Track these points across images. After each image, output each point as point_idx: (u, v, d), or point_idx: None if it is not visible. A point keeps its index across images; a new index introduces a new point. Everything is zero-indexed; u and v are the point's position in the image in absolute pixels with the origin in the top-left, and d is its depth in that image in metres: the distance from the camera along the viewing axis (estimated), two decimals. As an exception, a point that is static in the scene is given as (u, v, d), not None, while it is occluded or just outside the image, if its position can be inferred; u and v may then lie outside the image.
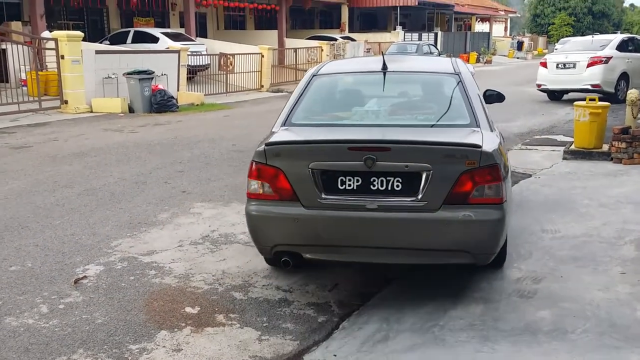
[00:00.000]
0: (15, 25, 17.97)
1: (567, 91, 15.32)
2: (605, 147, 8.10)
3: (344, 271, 4.89)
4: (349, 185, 4.09)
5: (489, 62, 38.22)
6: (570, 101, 15.37)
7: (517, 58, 49.60)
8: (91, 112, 14.90)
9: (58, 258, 5.11)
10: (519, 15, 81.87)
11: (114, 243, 5.47)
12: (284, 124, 4.76)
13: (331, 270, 4.90)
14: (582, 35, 62.51)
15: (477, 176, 3.93)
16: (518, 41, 56.11)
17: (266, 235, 4.35)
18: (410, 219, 3.99)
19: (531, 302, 3.86)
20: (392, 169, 3.99)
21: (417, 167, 3.95)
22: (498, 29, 65.11)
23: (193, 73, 20.13)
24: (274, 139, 4.42)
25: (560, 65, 14.76)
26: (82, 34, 14.88)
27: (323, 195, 4.09)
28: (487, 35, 49.10)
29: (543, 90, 15.57)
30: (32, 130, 11.80)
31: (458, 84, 4.88)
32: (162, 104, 15.31)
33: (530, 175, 7.53)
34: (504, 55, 48.51)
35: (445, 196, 3.92)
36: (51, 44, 14.74)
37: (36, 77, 14.46)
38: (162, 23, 26.30)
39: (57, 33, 14.65)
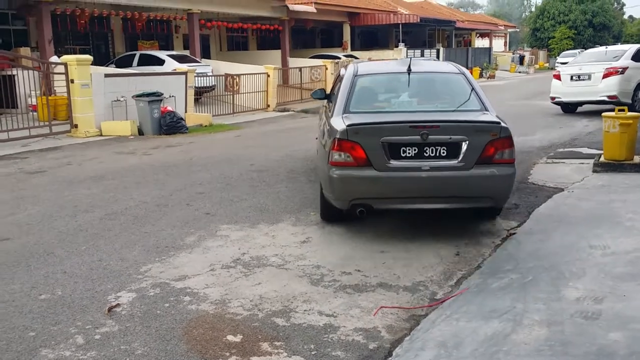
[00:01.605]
0: (24, 51, 17.91)
1: (582, 103, 15.18)
2: (637, 159, 7.93)
3: (387, 292, 4.69)
4: (409, 153, 5.67)
5: (492, 77, 38.19)
6: (585, 113, 15.29)
7: (519, 72, 49.61)
8: (101, 135, 14.76)
9: (88, 285, 4.92)
10: (517, 30, 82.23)
11: (144, 268, 5.28)
12: (344, 112, 6.19)
13: (372, 290, 4.72)
14: (584, 48, 62.85)
15: (498, 144, 5.67)
16: (519, 55, 56.17)
17: (345, 192, 5.80)
18: (453, 176, 5.65)
19: (598, 323, 3.65)
20: (440, 140, 5.61)
21: (457, 139, 5.62)
22: (498, 44, 65.26)
23: (199, 94, 20.03)
24: (351, 121, 5.78)
25: (574, 77, 14.62)
26: (91, 58, 14.77)
27: (390, 161, 5.65)
28: (488, 50, 49.15)
29: (557, 103, 15.42)
30: (44, 155, 11.64)
31: (465, 80, 6.65)
32: (171, 125, 15.18)
33: (562, 189, 7.35)
34: (506, 70, 48.54)
35: (476, 159, 5.62)
36: (60, 69, 14.64)
37: (47, 102, 14.33)
38: (165, 46, 26.28)
39: (66, 57, 14.55)
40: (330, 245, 5.83)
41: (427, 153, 5.65)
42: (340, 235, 6.08)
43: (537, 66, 56.24)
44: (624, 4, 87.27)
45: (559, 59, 56.71)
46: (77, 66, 14.32)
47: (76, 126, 14.57)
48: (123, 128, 14.81)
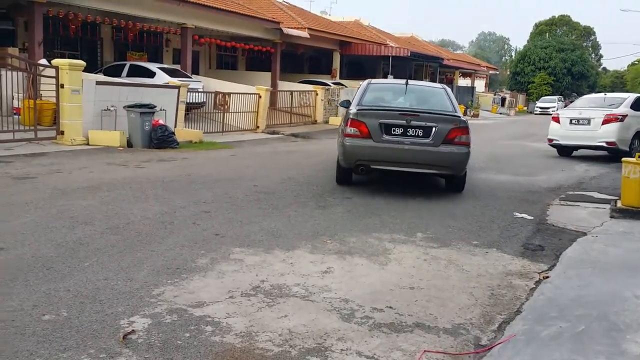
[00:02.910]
0: (12, 51, 17.29)
1: (579, 147, 15.13)
2: (657, 207, 7.72)
3: (427, 334, 4.31)
4: (397, 132, 8.70)
5: (476, 115, 38.45)
6: (581, 158, 15.25)
7: (500, 114, 50.16)
8: (87, 144, 14.21)
9: (96, 307, 4.44)
10: (497, 72, 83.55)
11: (156, 291, 4.82)
12: (357, 104, 9.29)
13: (409, 330, 4.33)
14: (562, 94, 64.10)
15: (458, 131, 8.62)
16: (501, 97, 56.84)
17: (353, 155, 8.88)
18: (425, 150, 8.60)
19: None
20: (418, 125, 8.62)
21: (430, 125, 8.61)
22: (479, 85, 66.14)
23: (188, 110, 19.56)
24: (360, 107, 9.09)
25: (574, 121, 14.56)
26: (84, 63, 14.29)
27: (384, 136, 8.68)
28: (472, 89, 49.64)
29: (554, 146, 15.35)
30: (29, 160, 11.08)
31: (444, 93, 9.86)
32: (162, 139, 14.71)
33: (584, 233, 7.09)
34: (487, 110, 49.03)
35: (442, 139, 8.57)
36: (49, 72, 14.12)
37: (34, 105, 13.75)
38: (155, 58, 25.80)
39: (58, 61, 14.03)
40: (354, 277, 5.43)
41: (409, 133, 8.78)
42: (365, 267, 5.69)
43: (517, 109, 56.89)
44: (601, 56, 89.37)
45: (539, 104, 57.72)
46: (69, 71, 13.83)
47: (62, 133, 14.02)
48: (112, 138, 14.29)
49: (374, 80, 10.50)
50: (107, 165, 10.95)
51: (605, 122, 13.93)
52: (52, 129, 14.27)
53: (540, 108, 56.43)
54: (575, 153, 15.60)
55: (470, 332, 4.42)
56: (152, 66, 20.99)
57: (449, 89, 10.09)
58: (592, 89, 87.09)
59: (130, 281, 5.01)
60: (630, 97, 14.99)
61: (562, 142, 14.91)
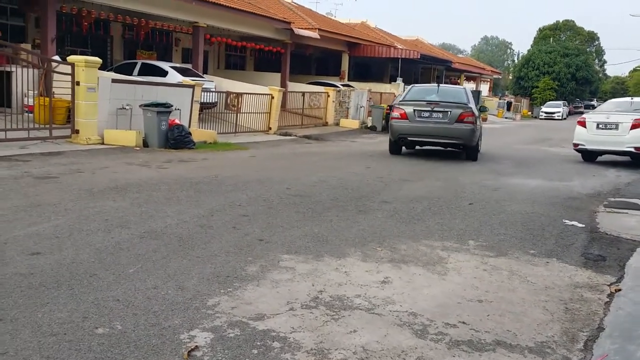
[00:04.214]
0: (25, 47, 16.94)
1: (606, 152, 14.81)
2: None
3: (511, 353, 3.97)
4: (425, 115, 13.98)
5: (484, 119, 38.07)
6: (607, 163, 14.93)
7: (506, 118, 49.91)
8: (102, 143, 13.87)
9: (151, 319, 4.09)
10: (500, 77, 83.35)
11: (211, 302, 4.47)
12: (402, 99, 14.94)
13: (491, 349, 3.99)
14: (566, 99, 63.86)
15: (466, 114, 13.69)
16: (507, 102, 56.53)
17: (397, 131, 14.27)
18: (444, 127, 13.74)
19: None
20: (439, 110, 13.87)
21: (447, 110, 13.82)
22: (483, 89, 65.83)
23: (200, 110, 19.22)
24: (401, 101, 14.91)
25: (601, 126, 14.23)
26: (100, 61, 13.94)
27: (416, 118, 13.96)
28: (478, 93, 49.30)
29: (580, 150, 15.02)
30: (47, 159, 10.73)
31: (464, 91, 15.18)
32: (179, 140, 14.37)
33: (642, 243, 6.76)
34: (493, 115, 48.73)
35: (455, 119, 13.62)
36: (62, 69, 13.75)
37: (49, 103, 13.40)
38: (164, 57, 25.47)
39: (74, 58, 13.69)
40: (415, 288, 5.08)
41: (433, 116, 13.80)
42: (423, 277, 5.35)
43: (522, 114, 56.64)
44: (605, 61, 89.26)
45: (544, 109, 57.50)
46: (84, 68, 13.49)
47: (77, 132, 13.67)
48: (128, 138, 13.95)
49: (416, 85, 16.95)
50: (127, 165, 10.60)
51: (634, 126, 13.60)
52: (66, 127, 13.93)
53: (546, 113, 56.24)
54: (599, 158, 15.28)
55: (556, 352, 4.08)
56: (164, 65, 20.66)
57: (467, 89, 15.80)
58: (594, 94, 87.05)
59: (181, 290, 4.66)
60: (659, 100, 14.69)
61: (589, 147, 14.57)
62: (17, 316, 4.02)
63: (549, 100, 62.45)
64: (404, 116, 14.07)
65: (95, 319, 4.05)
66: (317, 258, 5.70)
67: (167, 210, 7.07)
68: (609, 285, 5.43)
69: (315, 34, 28.06)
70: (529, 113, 60.94)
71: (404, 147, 15.16)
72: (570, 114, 62.68)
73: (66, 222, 6.28)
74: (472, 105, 14.18)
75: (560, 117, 55.46)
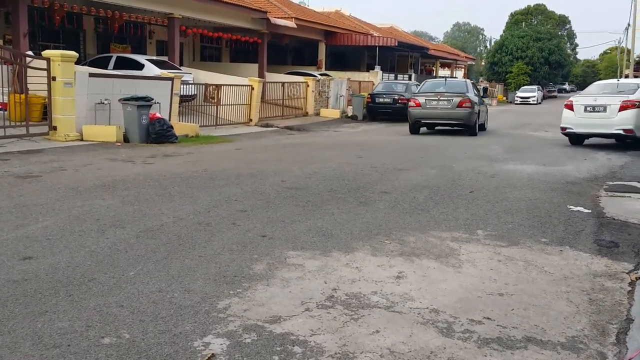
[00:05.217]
0: (-4, 42, 16.38)
1: (594, 135, 14.74)
2: None
3: (544, 350, 3.76)
4: (434, 103, 18.64)
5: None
6: (596, 146, 14.86)
7: (483, 104, 49.88)
8: (81, 140, 13.44)
9: (160, 326, 3.81)
10: (473, 63, 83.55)
11: (221, 304, 4.20)
12: (416, 93, 20.23)
13: (522, 347, 3.78)
14: (539, 84, 64.24)
15: (464, 101, 18.23)
16: (483, 87, 56.60)
17: (413, 116, 19.03)
18: (448, 111, 18.38)
19: None
20: (444, 98, 18.51)
21: (450, 98, 18.40)
22: (458, 75, 65.91)
23: (179, 103, 18.78)
24: (415, 93, 20.35)
25: (589, 109, 14.12)
26: (76, 55, 13.50)
27: (427, 106, 18.68)
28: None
29: (567, 134, 14.92)
30: (26, 158, 10.32)
31: (464, 83, 20.71)
32: (161, 134, 14.00)
33: (652, 227, 6.62)
34: (470, 101, 48.67)
35: (457, 105, 18.16)
36: (37, 64, 13.26)
37: (25, 100, 12.92)
38: (138, 50, 24.89)
39: (49, 52, 13.22)
40: (432, 283, 4.86)
41: (440, 104, 18.43)
42: (438, 271, 5.13)
43: (497, 99, 56.79)
44: (577, 45, 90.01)
45: (519, 93, 57.69)
46: (61, 62, 13.03)
47: (55, 128, 13.22)
48: (108, 133, 13.53)
49: (428, 80, 22.45)
50: (111, 161, 10.24)
51: (622, 108, 13.50)
52: (43, 124, 13.47)
53: (521, 98, 56.45)
54: (586, 142, 15.23)
55: (589, 347, 3.88)
56: (140, 58, 20.16)
57: (468, 81, 21.49)
58: (566, 78, 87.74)
59: (188, 293, 4.38)
60: (646, 81, 14.63)
61: (577, 130, 14.45)
62: (14, 327, 3.72)
63: (523, 85, 62.67)
64: (418, 104, 18.72)
65: (99, 327, 3.76)
66: (325, 254, 5.44)
67: (161, 207, 6.76)
68: (627, 273, 5.26)
69: (291, 23, 27.69)
70: (504, 98, 61.14)
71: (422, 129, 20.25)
72: (544, 98, 63.05)
73: (56, 223, 5.94)
74: (470, 94, 18.70)
75: (535, 102, 55.71)
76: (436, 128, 20.32)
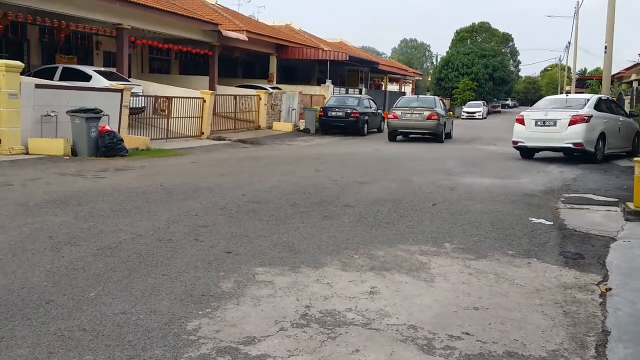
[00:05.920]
0: None
1: (545, 149, 15.01)
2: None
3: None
4: (407, 116, 22.41)
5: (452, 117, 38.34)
6: (546, 160, 15.14)
7: (431, 118, 50.59)
8: (27, 153, 12.92)
9: (127, 351, 3.57)
10: (420, 78, 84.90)
11: (190, 326, 3.98)
12: (395, 106, 23.84)
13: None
14: (484, 99, 65.69)
15: (433, 114, 22.20)
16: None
17: (391, 126, 22.91)
18: (420, 123, 22.33)
19: None
20: (416, 112, 22.40)
21: (421, 112, 22.35)
22: (407, 90, 66.79)
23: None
24: (395, 106, 23.77)
25: (539, 123, 14.37)
26: (22, 65, 13.00)
27: (402, 118, 22.45)
28: (403, 94, 49.86)
29: (519, 148, 15.15)
30: (-32, 172, 9.79)
31: (434, 99, 25.16)
32: (110, 147, 13.58)
33: (612, 239, 6.68)
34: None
35: (426, 118, 22.16)
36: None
37: (-33, 110, 12.33)
38: (85, 62, 24.21)
39: (-7, 61, 12.66)
40: (407, 298, 4.75)
41: (413, 116, 22.21)
42: (411, 285, 5.02)
43: (445, 113, 57.64)
44: (519, 62, 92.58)
45: (465, 108, 58.80)
46: (5, 73, 12.52)
47: (-1, 141, 12.64)
48: (55, 146, 13.04)
49: (404, 96, 30.08)
50: (60, 176, 9.82)
51: (572, 122, 13.79)
52: (-15, 137, 12.86)
53: (467, 112, 57.51)
54: (536, 155, 15.52)
55: (571, 360, 3.82)
56: (87, 69, 19.60)
57: (437, 97, 26.41)
58: (509, 94, 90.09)
59: (154, 314, 4.14)
60: (593, 98, 14.99)
61: (528, 144, 14.70)
62: (-34, 357, 3.41)
63: (469, 100, 63.99)
64: (395, 117, 22.37)
65: (62, 353, 3.49)
66: (294, 269, 5.27)
67: (118, 223, 6.46)
68: (597, 285, 5.27)
69: (243, 36, 27.49)
70: (451, 113, 62.18)
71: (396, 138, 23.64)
72: (489, 113, 64.44)
73: (6, 241, 5.59)
74: (437, 108, 22.68)
75: (481, 117, 56.85)
76: (410, 136, 23.81)
